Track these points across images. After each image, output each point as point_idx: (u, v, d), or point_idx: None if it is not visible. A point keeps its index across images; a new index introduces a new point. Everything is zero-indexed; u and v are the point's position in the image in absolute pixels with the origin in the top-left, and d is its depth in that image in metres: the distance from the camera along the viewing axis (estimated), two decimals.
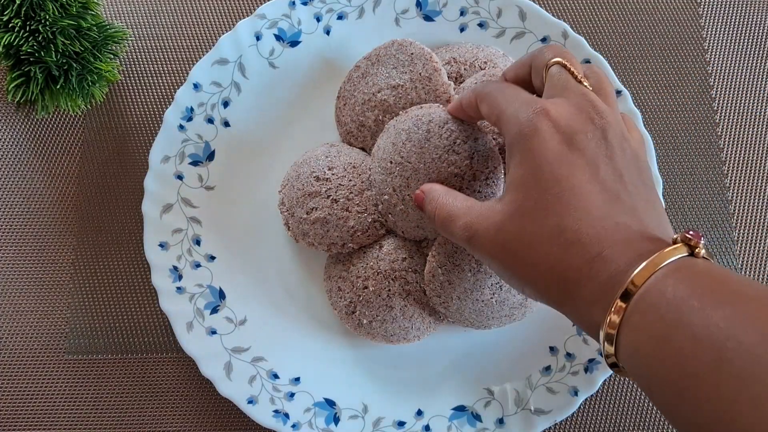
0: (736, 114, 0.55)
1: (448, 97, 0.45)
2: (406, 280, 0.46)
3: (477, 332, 0.49)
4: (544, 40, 0.50)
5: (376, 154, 0.45)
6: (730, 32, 0.56)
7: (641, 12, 0.56)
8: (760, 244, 0.53)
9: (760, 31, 0.56)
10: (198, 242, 0.49)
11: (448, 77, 0.48)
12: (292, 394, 0.47)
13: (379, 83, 0.47)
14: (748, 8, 0.57)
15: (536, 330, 0.48)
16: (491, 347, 0.49)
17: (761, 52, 0.56)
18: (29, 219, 0.52)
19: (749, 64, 0.56)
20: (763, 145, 0.55)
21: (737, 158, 0.54)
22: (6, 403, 0.49)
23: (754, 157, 0.54)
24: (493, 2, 0.50)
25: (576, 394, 0.46)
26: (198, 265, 0.48)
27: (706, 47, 0.56)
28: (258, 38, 0.50)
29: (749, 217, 0.53)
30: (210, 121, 0.50)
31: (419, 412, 0.47)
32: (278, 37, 0.51)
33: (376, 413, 0.47)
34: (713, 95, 0.55)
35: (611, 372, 0.47)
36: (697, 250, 0.28)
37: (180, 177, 0.49)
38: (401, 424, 0.47)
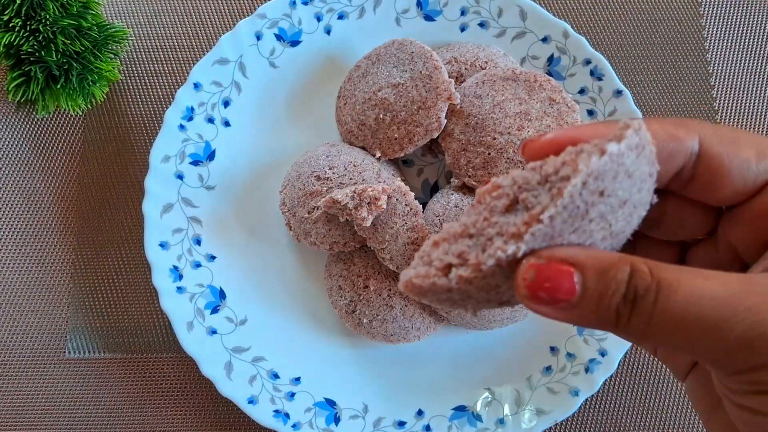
0: (737, 113, 0.55)
1: (449, 95, 0.45)
2: None
3: (478, 332, 0.49)
4: (544, 40, 0.50)
5: None
6: (731, 32, 0.56)
7: (642, 12, 0.56)
8: None
9: (761, 31, 0.56)
10: (198, 242, 0.49)
11: (449, 76, 0.48)
12: (292, 394, 0.47)
13: (379, 82, 0.47)
14: (749, 8, 0.57)
15: (537, 330, 0.48)
16: (492, 347, 0.49)
17: (762, 51, 0.56)
18: (29, 219, 0.52)
19: (750, 64, 0.56)
20: None
21: None
22: (6, 403, 0.49)
23: None
24: (494, 2, 0.50)
25: (576, 394, 0.46)
26: (198, 265, 0.48)
27: (707, 47, 0.56)
28: (258, 38, 0.50)
29: None
30: (210, 120, 0.50)
31: (420, 412, 0.47)
32: (279, 37, 0.51)
33: (377, 413, 0.47)
34: (714, 95, 0.55)
35: (612, 372, 0.47)
36: None
37: (180, 177, 0.49)
38: (402, 424, 0.47)
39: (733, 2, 0.57)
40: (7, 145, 0.53)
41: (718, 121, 0.55)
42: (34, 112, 0.53)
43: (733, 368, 0.19)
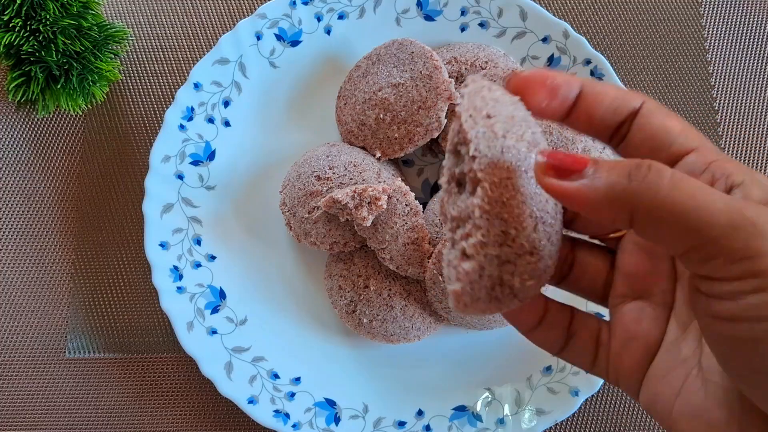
0: (737, 113, 0.55)
1: (449, 95, 0.45)
2: (407, 279, 0.46)
3: (478, 332, 0.49)
4: (544, 40, 0.50)
5: None
6: (731, 32, 0.56)
7: (642, 11, 0.56)
8: None
9: (761, 31, 0.56)
10: (198, 242, 0.49)
11: (449, 76, 0.48)
12: (292, 394, 0.47)
13: (379, 82, 0.47)
14: (749, 8, 0.57)
15: None
16: (492, 347, 0.49)
17: (762, 51, 0.56)
18: (30, 219, 0.52)
19: (750, 64, 0.56)
20: (765, 145, 0.54)
21: (738, 157, 0.54)
22: (6, 403, 0.49)
23: (756, 157, 0.54)
24: (494, 2, 0.50)
25: (577, 394, 0.46)
26: (198, 265, 0.48)
27: (707, 47, 0.56)
28: (259, 38, 0.50)
29: None
30: (210, 120, 0.50)
31: (420, 412, 0.47)
32: (279, 37, 0.51)
33: (377, 413, 0.47)
34: (714, 95, 0.55)
35: None
36: None
37: (180, 177, 0.49)
38: (402, 424, 0.47)
39: (733, 2, 0.57)
40: (7, 145, 0.53)
41: (718, 121, 0.55)
42: (34, 112, 0.53)
43: (735, 251, 0.19)
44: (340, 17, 0.51)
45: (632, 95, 0.25)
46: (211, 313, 0.48)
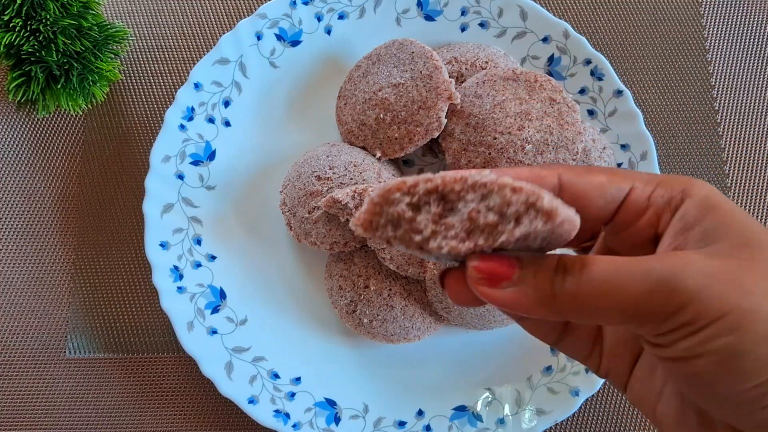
0: (737, 114, 0.55)
1: (449, 95, 0.45)
2: (407, 279, 0.46)
3: (478, 332, 0.49)
4: (545, 40, 0.50)
5: None
6: (731, 32, 0.56)
7: (642, 11, 0.56)
8: None
9: (761, 31, 0.56)
10: (199, 242, 0.49)
11: (449, 76, 0.48)
12: (292, 394, 0.47)
13: (380, 82, 0.47)
14: (749, 8, 0.57)
15: None
16: (492, 347, 0.49)
17: (762, 52, 0.56)
18: (30, 219, 0.52)
19: (751, 64, 0.56)
20: (765, 145, 0.54)
21: (739, 158, 0.54)
22: (6, 403, 0.49)
23: (756, 157, 0.54)
24: (494, 2, 0.50)
25: (577, 394, 0.46)
26: (199, 265, 0.48)
27: (707, 47, 0.56)
28: (259, 38, 0.50)
29: None
30: (211, 120, 0.50)
31: (420, 412, 0.47)
32: (279, 37, 0.51)
33: (377, 413, 0.47)
34: (714, 95, 0.55)
35: None
36: None
37: (181, 177, 0.49)
38: (402, 424, 0.47)
39: (733, 2, 0.57)
40: (7, 145, 0.53)
41: (718, 121, 0.55)
42: (34, 112, 0.53)
43: (659, 315, 0.21)
44: (341, 17, 0.51)
45: (547, 171, 0.26)
46: (212, 313, 0.48)
